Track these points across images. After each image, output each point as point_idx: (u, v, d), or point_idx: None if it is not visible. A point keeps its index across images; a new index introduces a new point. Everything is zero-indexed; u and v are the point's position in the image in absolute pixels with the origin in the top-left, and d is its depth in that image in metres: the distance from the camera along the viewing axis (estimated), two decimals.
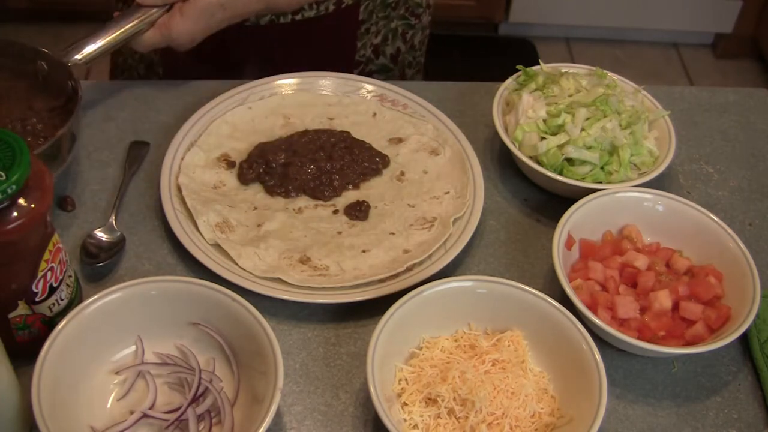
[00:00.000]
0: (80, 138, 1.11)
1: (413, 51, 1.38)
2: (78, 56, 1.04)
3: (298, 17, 1.21)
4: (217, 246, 0.97)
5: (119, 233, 0.99)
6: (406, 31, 1.33)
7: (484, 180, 1.06)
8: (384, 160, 1.09)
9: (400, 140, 1.12)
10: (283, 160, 1.06)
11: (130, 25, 1.07)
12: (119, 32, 1.06)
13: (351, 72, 1.23)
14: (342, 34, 1.27)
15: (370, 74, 1.33)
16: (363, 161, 1.08)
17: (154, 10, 1.07)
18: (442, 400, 0.82)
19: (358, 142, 1.10)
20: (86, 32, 1.06)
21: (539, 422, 0.83)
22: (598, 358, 0.83)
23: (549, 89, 1.11)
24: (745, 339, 0.95)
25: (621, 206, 1.01)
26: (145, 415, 0.81)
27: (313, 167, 1.06)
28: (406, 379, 0.85)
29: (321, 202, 1.05)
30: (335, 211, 1.04)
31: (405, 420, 0.82)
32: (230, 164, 1.07)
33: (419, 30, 1.36)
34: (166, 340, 0.87)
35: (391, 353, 0.85)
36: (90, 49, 1.05)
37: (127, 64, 1.36)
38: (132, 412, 0.82)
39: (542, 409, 0.84)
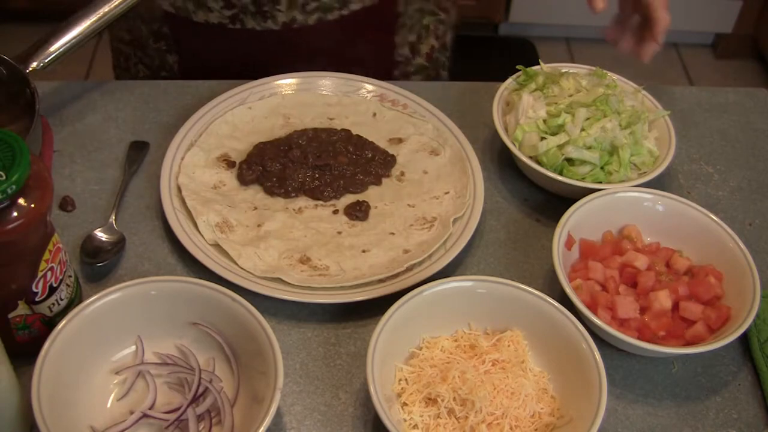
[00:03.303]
0: (79, 138, 1.11)
1: (444, 51, 1.37)
2: (35, 63, 1.01)
3: (345, 12, 1.19)
4: (217, 246, 0.97)
5: (119, 233, 0.99)
6: (437, 26, 1.33)
7: (484, 180, 1.06)
8: (387, 161, 1.09)
9: (400, 140, 1.12)
10: (282, 161, 1.06)
11: (90, 21, 1.05)
12: (83, 29, 1.04)
13: (392, 72, 1.22)
14: (382, 29, 1.27)
15: (408, 76, 1.33)
16: (364, 162, 1.08)
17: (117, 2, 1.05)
18: (442, 400, 0.82)
19: (361, 140, 1.10)
20: (47, 32, 1.04)
21: (539, 422, 0.83)
22: (598, 358, 0.83)
23: (549, 89, 1.11)
24: (745, 339, 0.95)
25: (621, 206, 1.01)
26: (145, 415, 0.81)
27: (312, 167, 1.06)
28: (406, 379, 0.85)
29: (321, 202, 1.05)
30: (335, 211, 1.04)
31: (405, 420, 0.82)
32: (230, 164, 1.07)
33: (449, 27, 1.36)
34: (166, 340, 0.87)
35: (391, 353, 0.85)
36: (51, 50, 1.02)
37: (137, 57, 1.34)
38: (132, 412, 0.82)
39: (542, 409, 0.84)
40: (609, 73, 1.15)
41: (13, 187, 0.72)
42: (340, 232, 1.01)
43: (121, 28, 1.31)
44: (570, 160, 1.05)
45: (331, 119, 1.14)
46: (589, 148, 1.05)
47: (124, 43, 1.33)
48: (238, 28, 1.20)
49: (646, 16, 1.09)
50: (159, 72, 1.30)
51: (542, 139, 1.06)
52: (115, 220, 1.00)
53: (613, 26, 1.15)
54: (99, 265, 0.95)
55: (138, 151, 1.09)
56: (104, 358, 0.85)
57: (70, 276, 0.87)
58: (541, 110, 1.08)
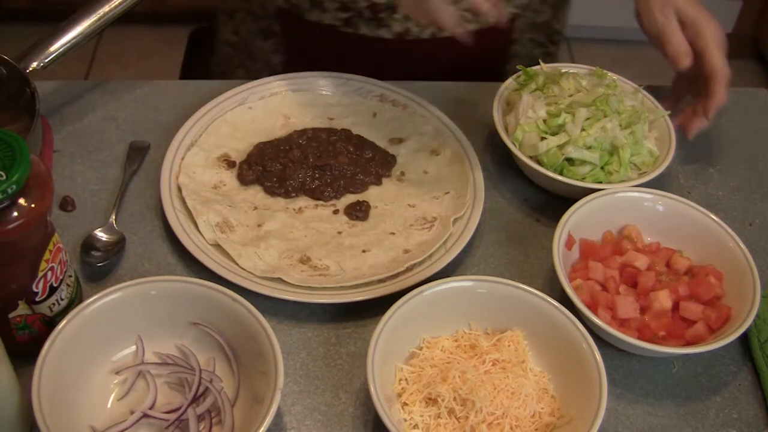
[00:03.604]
0: (79, 138, 1.11)
1: None
2: (35, 63, 1.01)
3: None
4: (217, 246, 0.97)
5: (119, 233, 0.99)
6: (544, 59, 1.31)
7: (484, 180, 1.06)
8: (387, 161, 1.09)
9: (400, 140, 1.12)
10: (282, 161, 1.06)
11: (90, 21, 1.05)
12: (83, 29, 1.05)
13: None
14: (494, 55, 1.26)
15: None
16: (364, 162, 1.08)
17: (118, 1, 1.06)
18: (443, 400, 0.82)
19: (361, 140, 1.10)
20: (47, 32, 1.04)
21: (539, 422, 0.83)
22: (598, 358, 0.83)
23: (549, 89, 1.11)
24: (745, 339, 0.95)
25: (621, 206, 1.01)
26: (145, 415, 0.81)
27: (312, 167, 1.06)
28: (406, 379, 0.85)
29: (321, 202, 1.05)
30: (335, 211, 1.04)
31: (405, 420, 0.83)
32: (230, 164, 1.07)
33: (554, 59, 1.34)
34: (166, 340, 0.87)
35: (391, 353, 0.85)
36: (51, 50, 1.03)
37: (239, 59, 1.32)
38: (132, 412, 0.82)
39: (542, 409, 0.84)
40: (609, 73, 1.15)
41: (14, 187, 0.72)
42: (340, 232, 1.01)
43: (228, 30, 1.30)
44: (570, 160, 1.05)
45: (331, 119, 1.14)
46: (589, 148, 1.05)
47: (228, 45, 1.32)
48: (350, 33, 1.19)
49: (702, 89, 1.07)
50: (260, 75, 1.27)
51: (542, 139, 1.06)
52: (115, 220, 1.00)
53: (665, 102, 1.15)
54: (99, 265, 0.95)
55: (138, 151, 1.09)
56: (104, 358, 0.85)
57: (71, 276, 0.87)
58: (541, 110, 1.08)
